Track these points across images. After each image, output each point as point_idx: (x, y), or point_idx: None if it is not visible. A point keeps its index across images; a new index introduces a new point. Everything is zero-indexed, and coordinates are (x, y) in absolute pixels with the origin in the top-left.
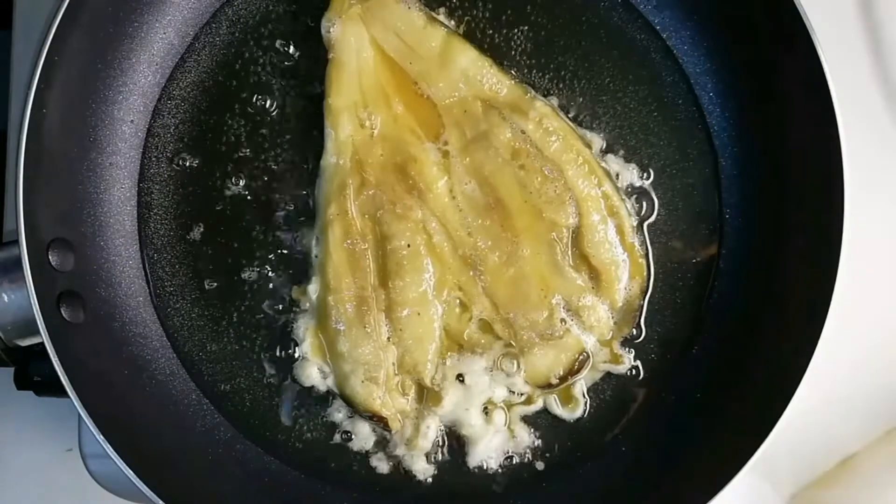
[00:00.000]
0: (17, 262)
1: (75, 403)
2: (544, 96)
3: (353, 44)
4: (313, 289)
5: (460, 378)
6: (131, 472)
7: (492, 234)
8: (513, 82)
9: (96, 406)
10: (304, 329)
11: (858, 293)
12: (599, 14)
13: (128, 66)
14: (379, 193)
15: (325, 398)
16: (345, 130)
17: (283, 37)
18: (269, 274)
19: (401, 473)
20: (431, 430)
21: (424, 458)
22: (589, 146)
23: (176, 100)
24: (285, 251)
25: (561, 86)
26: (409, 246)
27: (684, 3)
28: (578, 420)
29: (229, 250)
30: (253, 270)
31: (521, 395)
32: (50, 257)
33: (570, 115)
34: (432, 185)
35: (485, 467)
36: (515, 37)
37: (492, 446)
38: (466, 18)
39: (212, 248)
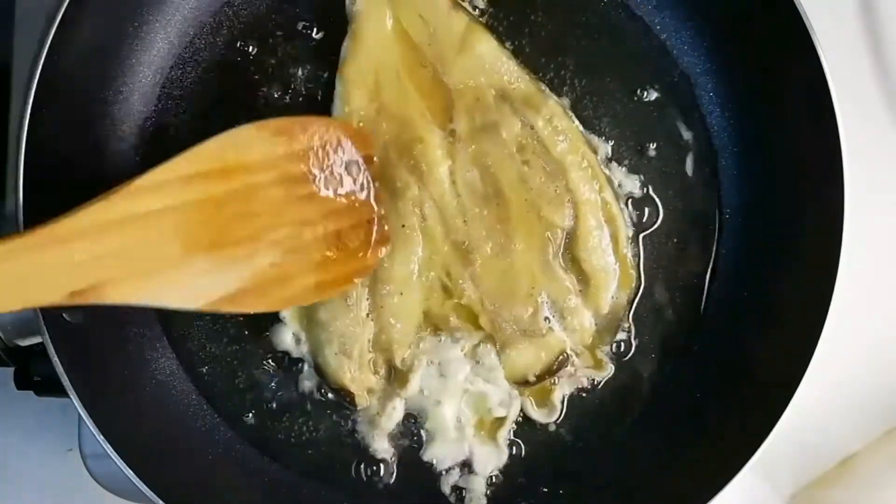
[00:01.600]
0: None
1: (75, 403)
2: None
3: (375, 18)
4: None
5: (432, 363)
6: (131, 472)
7: (487, 224)
8: (529, 77)
9: (96, 406)
10: None
11: (858, 293)
12: (599, 14)
13: (128, 66)
14: (379, 169)
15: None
16: (354, 102)
17: (284, 37)
18: None
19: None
20: (397, 412)
21: (386, 439)
22: (595, 151)
23: (176, 100)
24: None
25: (561, 85)
26: (403, 225)
27: (684, 3)
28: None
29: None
30: None
31: (499, 402)
32: None
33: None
34: (434, 167)
35: (438, 466)
36: (516, 38)
37: (448, 451)
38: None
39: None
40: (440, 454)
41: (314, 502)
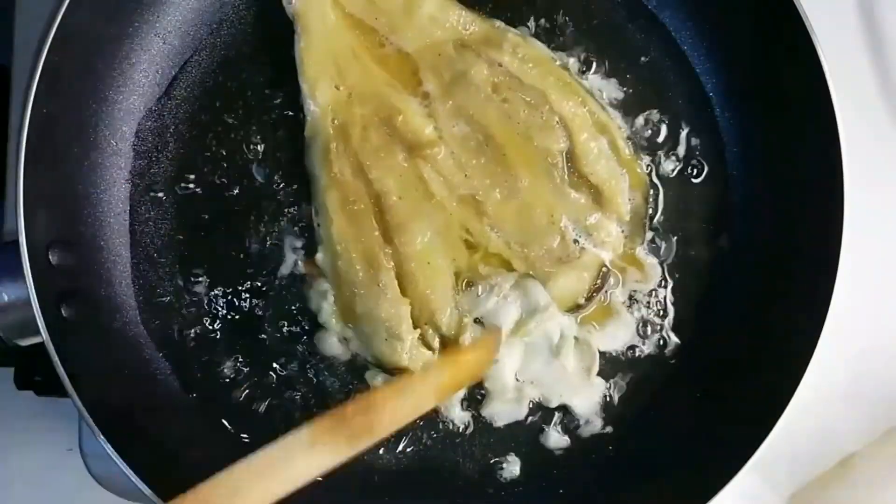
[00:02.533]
0: (17, 262)
1: (75, 403)
2: None
3: (316, 9)
4: (321, 258)
5: (478, 321)
6: (131, 472)
7: (488, 171)
8: (481, 18)
9: (96, 406)
10: (320, 299)
11: (858, 293)
12: (599, 14)
13: (128, 66)
14: (366, 152)
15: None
16: (322, 97)
17: (284, 37)
18: (273, 270)
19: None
20: None
21: (459, 406)
22: (566, 68)
23: (176, 100)
24: (290, 243)
25: None
26: (404, 198)
27: (684, 2)
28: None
29: (231, 249)
30: (254, 268)
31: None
32: (50, 257)
33: None
34: (420, 133)
35: (495, 422)
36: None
37: (505, 409)
38: None
39: (213, 247)
40: (497, 411)
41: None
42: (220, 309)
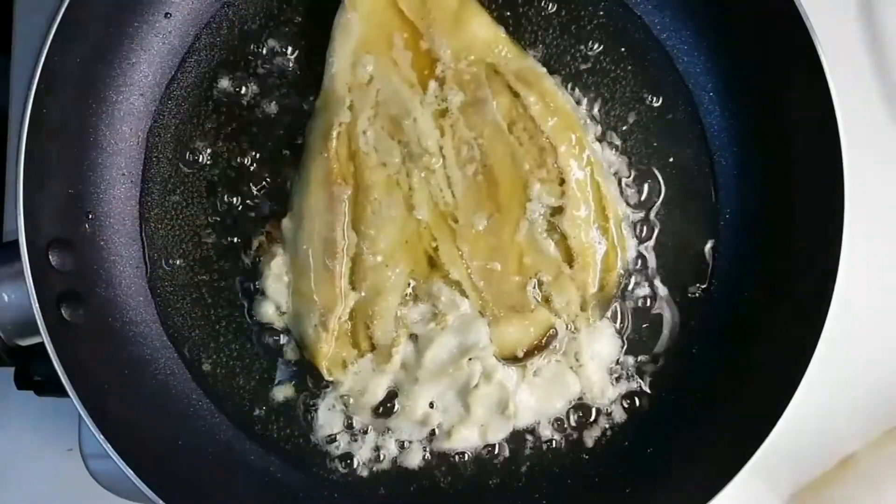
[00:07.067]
0: (17, 262)
1: (75, 403)
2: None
3: None
4: (286, 224)
5: (413, 338)
6: (131, 472)
7: (476, 199)
8: (523, 55)
9: (96, 406)
10: (267, 263)
11: (858, 293)
12: (599, 14)
13: (128, 66)
14: (367, 140)
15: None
16: (343, 74)
17: (283, 38)
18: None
19: (396, 471)
20: (381, 389)
21: (370, 412)
22: (586, 131)
23: (176, 100)
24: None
25: (562, 86)
26: (386, 196)
27: (684, 3)
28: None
29: (230, 250)
30: (253, 268)
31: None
32: (50, 257)
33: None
34: (424, 140)
35: (396, 436)
36: (516, 39)
37: (409, 427)
38: None
39: (212, 248)
40: (401, 426)
41: (316, 502)
42: (222, 306)
